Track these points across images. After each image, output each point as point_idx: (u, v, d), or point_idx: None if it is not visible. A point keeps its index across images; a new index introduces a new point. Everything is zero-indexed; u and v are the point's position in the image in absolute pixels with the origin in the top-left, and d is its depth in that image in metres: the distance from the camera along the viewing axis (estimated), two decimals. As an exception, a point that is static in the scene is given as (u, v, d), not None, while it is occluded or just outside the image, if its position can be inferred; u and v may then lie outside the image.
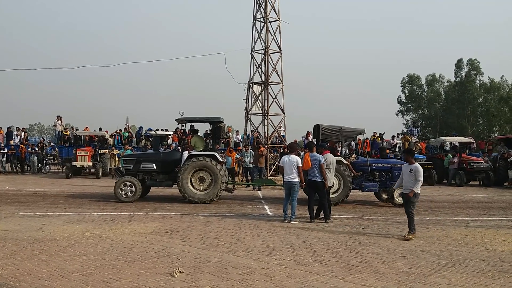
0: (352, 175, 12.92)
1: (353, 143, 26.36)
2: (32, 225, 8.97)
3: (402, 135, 29.86)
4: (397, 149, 26.17)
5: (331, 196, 11.68)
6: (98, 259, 6.42)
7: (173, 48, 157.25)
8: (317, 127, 13.62)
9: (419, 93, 56.25)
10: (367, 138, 27.42)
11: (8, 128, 27.77)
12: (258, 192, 17.09)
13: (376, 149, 26.36)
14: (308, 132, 26.21)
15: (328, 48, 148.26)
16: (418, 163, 8.56)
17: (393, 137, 27.90)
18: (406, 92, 56.58)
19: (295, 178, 9.91)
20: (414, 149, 24.08)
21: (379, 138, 27.32)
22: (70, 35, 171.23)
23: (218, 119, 13.68)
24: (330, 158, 10.70)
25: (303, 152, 11.21)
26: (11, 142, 26.81)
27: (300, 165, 9.99)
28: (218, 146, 21.64)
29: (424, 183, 21.76)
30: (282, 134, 24.37)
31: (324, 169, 10.03)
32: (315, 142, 13.15)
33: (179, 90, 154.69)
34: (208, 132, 23.10)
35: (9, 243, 7.35)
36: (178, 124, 14.72)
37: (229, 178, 14.18)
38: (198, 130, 15.04)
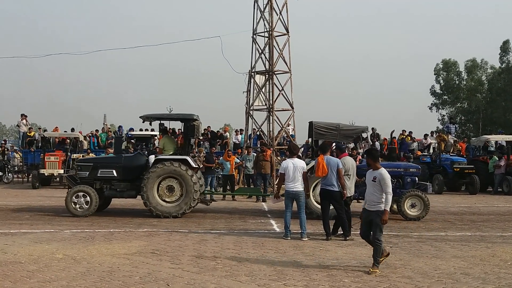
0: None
1: (377, 143, 26.37)
2: (-8, 246, 9.00)
3: (437, 134, 29.81)
4: (431, 150, 26.12)
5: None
6: (72, 286, 6.43)
7: (159, 31, 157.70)
8: (310, 125, 13.71)
9: (457, 82, 55.99)
10: (394, 138, 27.43)
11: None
12: (263, 203, 17.11)
13: (406, 150, 26.37)
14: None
15: (345, 30, 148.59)
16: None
17: (426, 135, 27.84)
18: (441, 81, 56.29)
19: (300, 186, 9.96)
20: (451, 150, 24.08)
21: (409, 138, 27.31)
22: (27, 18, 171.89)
23: (191, 116, 13.88)
24: (350, 162, 10.71)
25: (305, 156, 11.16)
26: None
27: (306, 171, 10.05)
28: (214, 149, 21.81)
29: (465, 192, 21.84)
30: (290, 133, 24.38)
31: (342, 175, 10.02)
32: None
33: (167, 82, 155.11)
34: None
35: (-36, 267, 7.38)
36: (143, 122, 14.84)
37: (215, 188, 14.22)
38: (172, 129, 14.95)
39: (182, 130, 14.39)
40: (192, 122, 13.87)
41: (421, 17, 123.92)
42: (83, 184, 13.33)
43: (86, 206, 12.97)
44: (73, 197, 12.97)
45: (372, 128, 28.62)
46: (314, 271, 7.29)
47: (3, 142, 30.55)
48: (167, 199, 13.06)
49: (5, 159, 26.76)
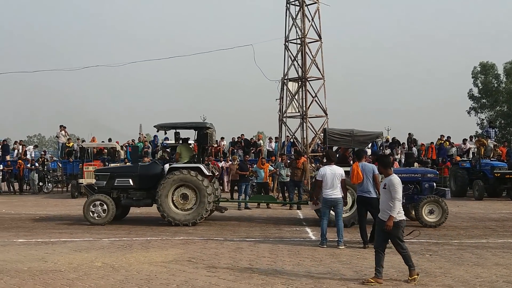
0: None
1: (414, 149, 25.96)
2: (34, 254, 9.25)
3: (476, 138, 29.10)
4: (471, 156, 25.52)
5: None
6: (110, 294, 6.54)
7: (191, 42, 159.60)
8: (324, 132, 13.71)
9: (496, 85, 54.68)
10: (432, 143, 26.95)
11: (4, 141, 28.77)
12: (298, 211, 17.03)
13: (444, 156, 25.88)
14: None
15: (377, 35, 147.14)
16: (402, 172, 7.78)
17: (464, 140, 27.25)
18: (479, 84, 55.06)
19: (339, 194, 9.94)
20: (491, 155, 23.48)
21: (447, 143, 26.78)
22: (70, 32, 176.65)
23: (204, 124, 14.13)
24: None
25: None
26: (8, 158, 27.65)
27: (344, 177, 10.03)
28: (248, 157, 21.85)
29: (506, 197, 21.20)
30: (325, 140, 24.18)
31: (378, 181, 9.87)
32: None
33: (200, 91, 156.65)
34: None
35: (7, 275, 7.60)
36: (158, 131, 15.09)
37: (250, 196, 14.17)
38: (189, 138, 15.27)
39: (196, 138, 14.55)
40: (205, 130, 13.97)
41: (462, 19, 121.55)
42: (101, 193, 13.66)
43: (104, 215, 13.26)
44: (91, 206, 13.29)
45: (409, 134, 28.22)
46: (351, 280, 7.23)
47: (42, 153, 31.35)
48: (181, 207, 13.23)
49: (45, 169, 27.43)
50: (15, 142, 29.81)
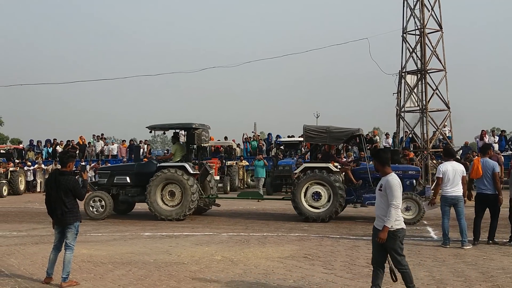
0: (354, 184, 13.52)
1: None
2: (159, 247, 9.92)
3: None
4: None
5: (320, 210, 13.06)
6: (230, 287, 6.84)
7: (305, 38, 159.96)
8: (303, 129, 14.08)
9: None
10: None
11: (131, 141, 30.99)
12: (425, 210, 16.37)
13: None
14: (483, 131, 24.47)
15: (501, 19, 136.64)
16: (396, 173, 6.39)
17: None
18: None
19: (459, 191, 9.67)
20: None
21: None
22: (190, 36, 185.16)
23: (190, 125, 14.80)
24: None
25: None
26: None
27: (465, 174, 9.79)
28: (363, 153, 21.46)
29: None
30: (447, 135, 23.11)
31: (497, 178, 9.68)
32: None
33: (312, 87, 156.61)
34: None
35: (135, 267, 8.23)
36: (150, 132, 15.77)
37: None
38: (182, 136, 15.79)
39: (186, 139, 15.34)
40: (192, 130, 14.74)
41: None
42: (101, 190, 14.73)
43: (102, 210, 14.34)
44: (91, 202, 14.38)
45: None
46: (477, 281, 6.93)
47: (165, 152, 33.22)
48: (169, 203, 14.10)
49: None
50: (140, 142, 31.91)
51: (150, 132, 15.75)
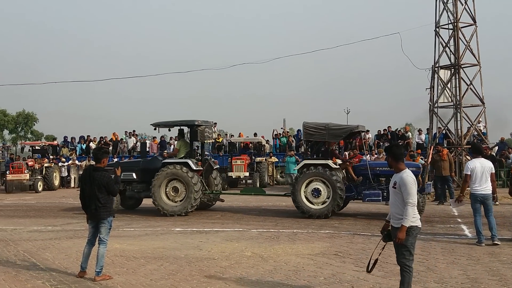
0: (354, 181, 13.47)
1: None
2: (189, 243, 10.01)
3: None
4: None
5: (319, 207, 13.17)
6: (261, 283, 6.85)
7: (333, 34, 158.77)
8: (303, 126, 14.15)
9: None
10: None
11: (162, 137, 31.35)
12: (452, 208, 16.13)
13: None
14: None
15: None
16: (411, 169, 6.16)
17: None
18: None
19: (488, 189, 9.56)
20: None
21: None
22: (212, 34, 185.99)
23: (193, 122, 14.92)
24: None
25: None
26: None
27: (494, 171, 9.69)
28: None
29: None
30: (482, 131, 22.63)
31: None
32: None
33: (342, 83, 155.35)
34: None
35: (166, 262, 8.33)
36: (155, 129, 15.84)
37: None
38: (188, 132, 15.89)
39: (189, 135, 15.45)
40: (195, 127, 14.91)
41: None
42: None
43: None
44: None
45: None
46: (513, 281, 6.75)
47: (196, 148, 33.45)
48: (172, 199, 14.31)
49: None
50: (171, 138, 32.22)
51: (155, 129, 16.00)
